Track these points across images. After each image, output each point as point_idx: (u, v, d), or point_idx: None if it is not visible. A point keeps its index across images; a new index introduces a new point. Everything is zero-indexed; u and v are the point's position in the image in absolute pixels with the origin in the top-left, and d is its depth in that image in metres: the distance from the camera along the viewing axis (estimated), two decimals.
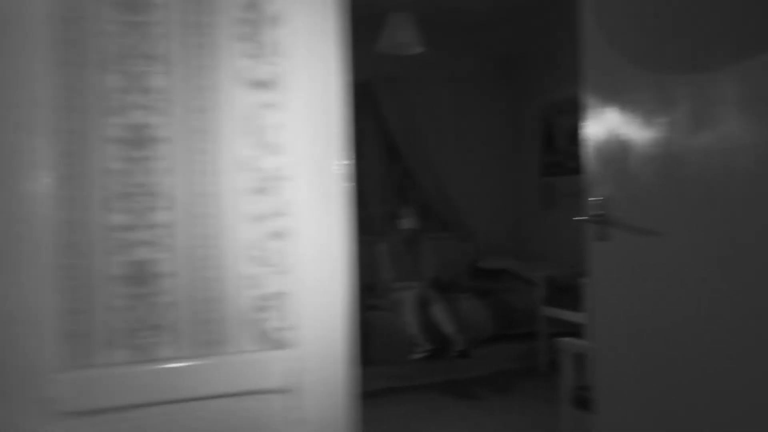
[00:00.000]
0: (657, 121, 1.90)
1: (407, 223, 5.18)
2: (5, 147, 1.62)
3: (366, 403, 4.45)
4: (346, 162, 1.92)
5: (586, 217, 2.10)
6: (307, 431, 1.90)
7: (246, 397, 1.87)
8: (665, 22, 1.88)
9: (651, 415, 1.98)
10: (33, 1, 1.63)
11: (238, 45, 1.86)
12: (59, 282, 1.66)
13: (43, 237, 1.65)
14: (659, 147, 1.90)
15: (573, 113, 4.97)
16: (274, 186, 1.90)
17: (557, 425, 3.24)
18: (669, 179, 1.88)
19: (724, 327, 1.74)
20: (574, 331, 3.93)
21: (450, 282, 6.00)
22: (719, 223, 1.73)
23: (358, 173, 6.01)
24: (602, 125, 2.10)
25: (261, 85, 1.88)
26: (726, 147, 1.70)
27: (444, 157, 6.05)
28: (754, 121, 1.62)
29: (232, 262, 1.83)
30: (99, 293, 1.71)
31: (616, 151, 2.05)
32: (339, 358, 2.03)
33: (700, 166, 1.76)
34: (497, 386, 4.75)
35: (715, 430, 1.78)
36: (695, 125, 1.78)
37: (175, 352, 1.78)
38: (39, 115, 1.64)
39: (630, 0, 2.03)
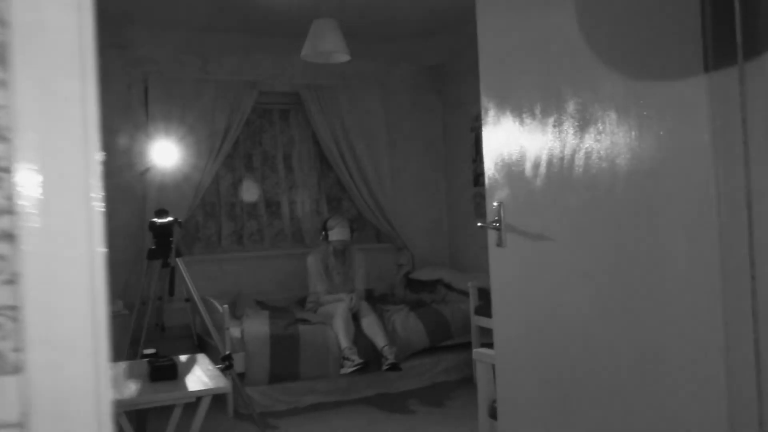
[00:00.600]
0: (547, 123, 1.87)
1: (339, 234, 5.08)
2: None
3: (296, 419, 4.38)
4: (96, 155, 1.64)
5: (485, 224, 2.06)
6: None
7: None
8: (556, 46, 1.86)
9: (548, 417, 1.95)
10: None
11: None
12: None
13: None
14: (550, 150, 1.87)
15: None
16: None
17: None
18: (558, 183, 1.85)
19: (612, 326, 1.71)
20: None
21: (383, 294, 5.93)
22: (604, 225, 1.71)
23: (289, 184, 5.93)
24: (499, 130, 2.06)
25: None
26: (609, 149, 1.67)
27: (377, 167, 5.98)
28: (634, 125, 1.60)
29: None
30: None
31: (512, 155, 2.01)
32: (83, 387, 1.47)
33: (585, 169, 1.74)
34: (430, 399, 4.69)
35: (607, 423, 1.75)
36: (581, 128, 1.75)
37: None
38: None
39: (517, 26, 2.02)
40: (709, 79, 1.44)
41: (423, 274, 5.86)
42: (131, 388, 2.22)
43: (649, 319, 1.58)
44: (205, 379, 2.33)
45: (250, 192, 5.74)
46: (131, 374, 2.42)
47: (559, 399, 1.90)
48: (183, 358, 2.65)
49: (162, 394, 2.17)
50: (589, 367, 1.79)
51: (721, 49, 1.42)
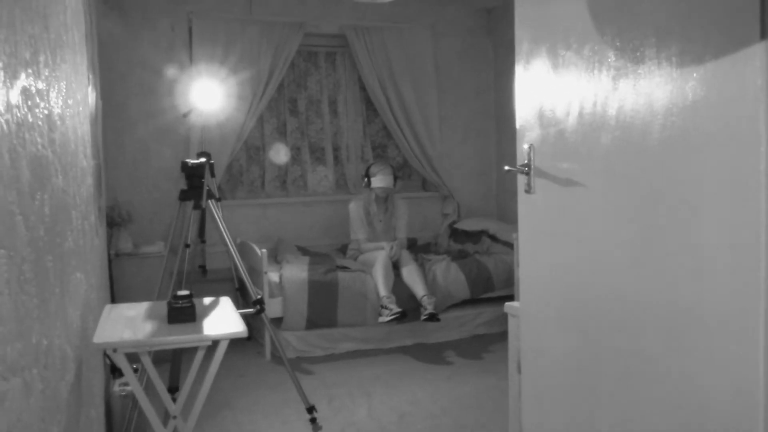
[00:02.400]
0: (582, 54, 1.68)
1: (381, 181, 4.97)
2: None
3: (332, 365, 4.37)
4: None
5: (513, 168, 1.90)
6: None
7: None
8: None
9: (571, 373, 1.82)
10: None
11: None
12: None
13: None
14: (584, 86, 1.68)
15: None
16: None
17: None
18: (590, 122, 1.67)
19: (642, 279, 1.55)
20: None
21: (426, 243, 5.82)
22: (638, 168, 1.53)
23: (333, 130, 5.82)
24: (533, 64, 1.88)
25: None
26: (646, 82, 1.48)
27: (424, 113, 5.80)
28: (674, 55, 1.40)
29: None
30: None
31: (544, 91, 1.83)
32: None
33: (620, 105, 1.55)
34: (469, 351, 4.60)
35: (631, 382, 1.61)
36: (618, 58, 1.56)
37: None
38: None
39: None
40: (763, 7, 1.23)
41: (468, 225, 5.71)
42: (146, 329, 2.19)
43: (682, 272, 1.42)
44: (223, 323, 2.28)
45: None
46: (151, 315, 2.39)
47: (583, 353, 1.77)
48: (207, 300, 2.61)
49: (175, 337, 2.13)
50: (616, 321, 1.64)
51: None
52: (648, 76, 1.48)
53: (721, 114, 1.32)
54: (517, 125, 1.94)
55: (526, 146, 1.88)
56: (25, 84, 1.42)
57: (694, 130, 1.38)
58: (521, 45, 1.91)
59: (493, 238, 5.43)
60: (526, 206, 1.94)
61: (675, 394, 1.47)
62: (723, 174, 1.33)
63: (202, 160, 3.40)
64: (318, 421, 3.40)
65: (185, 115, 4.99)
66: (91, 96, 3.14)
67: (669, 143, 1.44)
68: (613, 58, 1.57)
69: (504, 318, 4.86)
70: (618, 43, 1.55)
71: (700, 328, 1.40)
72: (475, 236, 5.58)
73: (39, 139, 1.56)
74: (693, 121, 1.38)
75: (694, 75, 1.36)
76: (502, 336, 4.77)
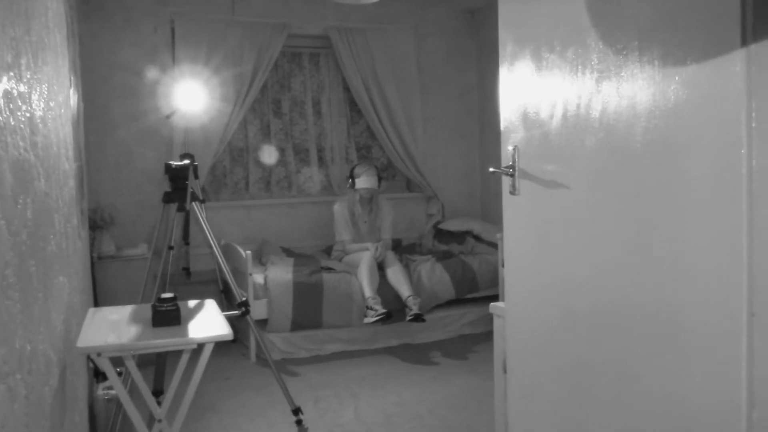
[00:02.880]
0: (566, 56, 1.69)
1: (366, 182, 4.97)
2: None
3: (318, 367, 4.37)
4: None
5: (498, 170, 1.91)
6: None
7: None
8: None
9: (557, 374, 1.83)
10: None
11: None
12: None
13: None
14: (568, 87, 1.70)
15: None
16: None
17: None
18: (575, 124, 1.68)
19: (627, 281, 1.57)
20: None
21: (411, 244, 5.83)
22: (623, 170, 1.55)
23: (318, 131, 5.81)
24: (516, 66, 1.89)
25: None
26: (629, 84, 1.50)
27: (408, 114, 5.80)
28: (657, 57, 1.42)
29: None
30: None
31: (528, 93, 1.85)
32: None
33: (603, 107, 1.57)
34: (454, 351, 4.62)
35: (617, 387, 1.62)
36: (601, 60, 1.58)
37: None
38: None
39: None
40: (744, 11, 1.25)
41: (453, 225, 5.72)
42: (130, 332, 2.17)
43: (668, 273, 1.43)
44: (208, 326, 2.27)
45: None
46: (135, 318, 2.38)
47: (570, 354, 1.78)
48: (192, 303, 2.59)
49: (159, 340, 2.12)
50: (603, 322, 1.65)
51: None
52: (631, 79, 1.49)
53: (704, 117, 1.33)
54: (502, 127, 1.95)
55: (510, 148, 1.89)
56: (7, 87, 1.41)
57: (677, 132, 1.40)
58: (505, 47, 1.92)
59: (478, 239, 5.45)
60: (511, 208, 1.94)
61: (662, 395, 1.48)
62: (706, 175, 1.34)
63: (186, 162, 3.39)
64: (304, 422, 3.39)
65: (168, 117, 4.95)
66: (73, 98, 3.12)
67: (652, 145, 1.46)
68: (597, 61, 1.59)
69: (489, 318, 4.87)
70: (601, 46, 1.56)
71: (685, 330, 1.41)
72: (459, 237, 5.60)
73: (21, 143, 1.55)
74: (676, 123, 1.40)
75: (677, 78, 1.38)
76: (488, 336, 4.79)
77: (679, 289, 1.42)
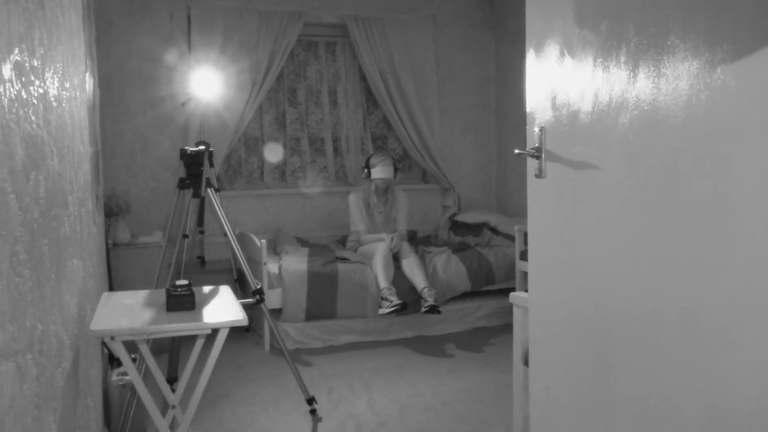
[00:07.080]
0: (599, 31, 1.62)
1: (381, 172, 4.91)
2: None
3: (332, 357, 4.32)
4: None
5: (524, 151, 1.85)
6: None
7: None
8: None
9: (581, 368, 1.76)
10: None
11: None
12: None
13: None
14: (602, 63, 1.63)
15: None
16: None
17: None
18: (608, 102, 1.61)
19: (658, 274, 1.50)
20: None
21: (427, 235, 5.77)
22: (661, 154, 1.47)
23: (333, 120, 5.75)
24: (546, 47, 1.82)
25: None
26: (670, 59, 1.42)
27: (424, 105, 5.74)
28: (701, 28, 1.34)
29: None
30: None
31: (558, 71, 1.78)
32: None
33: (642, 84, 1.49)
34: (469, 343, 4.56)
35: (645, 384, 1.56)
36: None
37: None
38: None
39: None
40: None
41: (468, 217, 5.66)
42: (144, 317, 2.13)
43: (707, 266, 1.35)
44: (223, 311, 2.23)
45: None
46: (149, 303, 2.34)
47: (596, 346, 1.72)
48: (206, 289, 2.55)
49: (174, 324, 2.08)
50: (633, 315, 1.58)
51: None
52: (673, 54, 1.41)
53: (753, 100, 1.25)
54: (528, 108, 1.88)
55: (536, 129, 1.82)
56: (19, 59, 1.36)
57: (722, 113, 1.32)
58: (533, 23, 1.85)
59: (494, 231, 5.38)
60: (536, 192, 1.88)
61: (696, 395, 1.41)
62: (756, 162, 1.25)
63: (201, 147, 3.34)
64: (318, 412, 3.35)
65: (184, 104, 4.93)
66: (89, 82, 3.08)
67: (695, 125, 1.38)
68: (634, 34, 1.51)
69: (505, 311, 4.84)
70: (639, 18, 1.48)
71: (725, 326, 1.34)
72: (475, 228, 5.53)
73: (33, 118, 1.50)
74: (722, 103, 1.31)
75: (726, 50, 1.29)
76: (503, 329, 4.73)
77: (722, 283, 1.34)
